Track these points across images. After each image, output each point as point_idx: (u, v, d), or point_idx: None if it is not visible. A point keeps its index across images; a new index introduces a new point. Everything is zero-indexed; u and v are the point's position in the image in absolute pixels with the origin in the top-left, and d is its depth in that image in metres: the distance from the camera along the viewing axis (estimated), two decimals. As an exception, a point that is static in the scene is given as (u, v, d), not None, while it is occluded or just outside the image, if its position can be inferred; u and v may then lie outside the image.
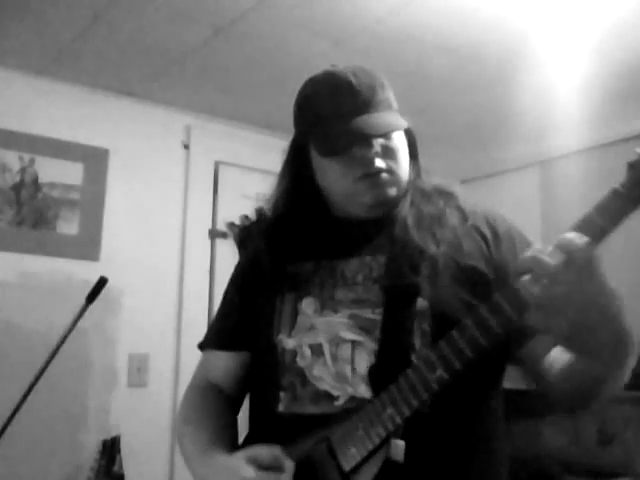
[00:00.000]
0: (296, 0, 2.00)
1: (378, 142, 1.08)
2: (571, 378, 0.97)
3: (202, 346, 1.26)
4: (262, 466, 0.95)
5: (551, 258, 0.79)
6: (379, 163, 1.08)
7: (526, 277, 0.81)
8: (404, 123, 1.11)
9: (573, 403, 1.04)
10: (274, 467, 0.95)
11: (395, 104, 1.14)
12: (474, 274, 1.05)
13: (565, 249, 0.79)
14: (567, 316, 0.80)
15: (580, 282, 0.79)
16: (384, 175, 1.09)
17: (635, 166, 0.80)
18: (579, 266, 0.79)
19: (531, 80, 2.49)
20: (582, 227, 0.81)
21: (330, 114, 1.08)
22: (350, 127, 1.06)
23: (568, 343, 0.93)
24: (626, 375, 0.98)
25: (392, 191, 1.11)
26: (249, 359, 1.19)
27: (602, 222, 0.80)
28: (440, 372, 0.88)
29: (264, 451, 0.97)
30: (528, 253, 0.81)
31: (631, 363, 0.96)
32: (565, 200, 3.04)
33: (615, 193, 0.80)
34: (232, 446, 1.10)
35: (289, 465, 0.95)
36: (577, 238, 0.79)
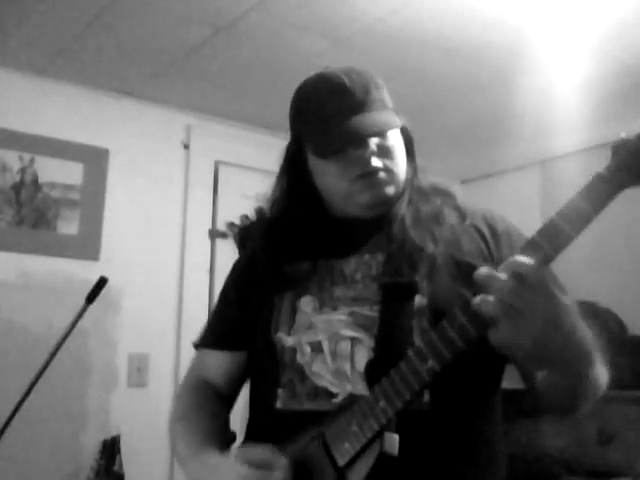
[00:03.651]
0: (296, 0, 2.00)
1: (374, 141, 1.08)
2: (548, 387, 0.97)
3: (198, 345, 1.26)
4: (254, 464, 0.95)
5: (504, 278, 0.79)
6: (375, 162, 1.08)
7: (481, 296, 0.81)
8: (399, 121, 1.11)
9: (560, 406, 1.04)
10: (266, 465, 0.95)
11: (390, 103, 1.14)
12: (472, 272, 1.05)
13: (515, 272, 0.79)
14: (525, 337, 0.80)
15: (532, 302, 0.79)
16: (381, 174, 1.09)
17: (618, 150, 0.80)
18: (530, 287, 0.79)
19: (531, 80, 2.49)
20: (567, 212, 0.81)
21: (324, 116, 1.08)
22: (345, 128, 1.06)
23: (529, 362, 0.94)
24: (600, 382, 0.99)
25: (390, 190, 1.11)
26: (245, 358, 1.19)
27: (587, 207, 0.80)
28: (431, 363, 0.87)
29: (257, 450, 0.98)
30: (482, 270, 0.81)
31: (598, 372, 0.97)
32: (565, 200, 3.04)
33: (599, 177, 0.81)
34: (225, 445, 1.10)
35: (282, 462, 0.95)
36: (526, 260, 0.79)
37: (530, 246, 0.82)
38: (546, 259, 0.81)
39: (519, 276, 0.79)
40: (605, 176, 0.80)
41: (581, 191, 0.81)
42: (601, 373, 0.98)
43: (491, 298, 0.79)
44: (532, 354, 0.85)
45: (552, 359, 0.87)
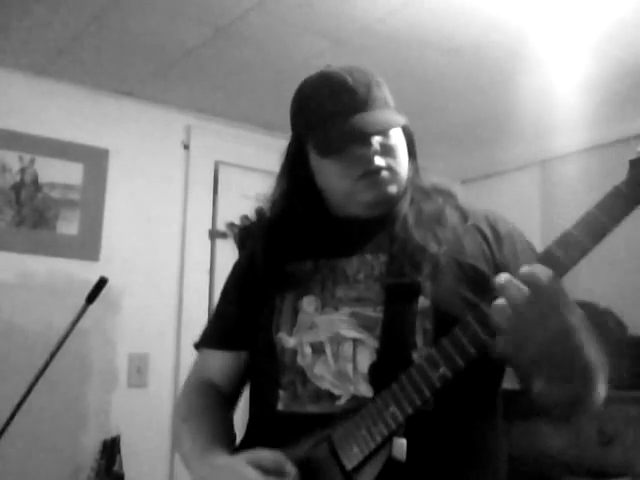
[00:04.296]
0: (296, 0, 2.00)
1: (377, 140, 1.07)
2: (544, 396, 0.97)
3: (199, 345, 1.26)
4: (264, 470, 0.94)
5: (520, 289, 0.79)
6: (379, 161, 1.07)
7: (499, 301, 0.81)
8: (402, 120, 1.10)
9: (552, 415, 1.04)
10: (276, 472, 0.95)
11: (392, 102, 1.13)
12: (475, 273, 1.05)
13: (531, 281, 0.79)
14: (531, 348, 0.81)
15: (545, 316, 0.80)
16: (384, 173, 1.08)
17: (637, 164, 0.80)
18: (545, 298, 0.79)
19: (531, 80, 2.49)
20: (584, 224, 0.81)
21: (328, 114, 1.07)
22: (348, 126, 1.05)
23: (533, 372, 0.94)
24: (598, 399, 0.99)
25: (392, 189, 1.10)
26: (247, 358, 1.19)
27: (604, 220, 0.80)
28: (443, 370, 0.88)
29: (267, 455, 0.97)
30: (504, 275, 0.81)
31: (599, 392, 0.97)
32: (565, 200, 3.04)
33: (617, 191, 0.81)
34: (230, 446, 1.10)
35: (292, 471, 0.95)
36: (544, 270, 0.80)
37: (546, 256, 0.83)
38: (561, 271, 0.82)
39: (535, 286, 0.79)
40: (623, 191, 0.81)
41: (598, 204, 0.82)
42: (601, 391, 0.98)
43: (508, 310, 0.80)
44: (535, 365, 0.86)
45: (554, 372, 0.87)
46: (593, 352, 0.91)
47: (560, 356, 0.84)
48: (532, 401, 1.02)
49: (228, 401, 1.21)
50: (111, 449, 2.40)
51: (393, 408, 0.91)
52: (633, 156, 0.82)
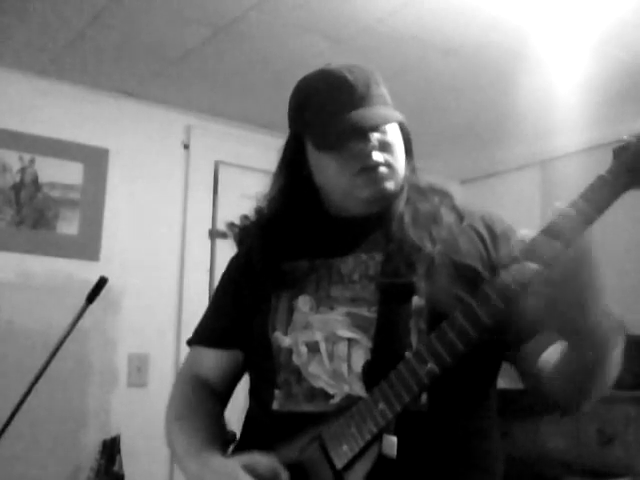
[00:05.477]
0: (296, 0, 2.00)
1: (375, 136, 1.08)
2: (564, 372, 0.96)
3: (191, 342, 1.26)
4: (259, 475, 0.95)
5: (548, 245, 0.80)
6: (377, 156, 1.07)
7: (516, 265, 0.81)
8: (399, 116, 1.11)
9: (566, 401, 1.03)
10: (270, 477, 0.95)
11: (389, 100, 1.14)
12: (470, 273, 1.05)
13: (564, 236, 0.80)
14: (560, 302, 0.81)
15: (577, 268, 0.80)
16: (382, 169, 1.08)
17: (620, 153, 0.81)
18: (577, 251, 0.80)
19: (531, 80, 2.49)
20: (569, 214, 0.81)
21: (326, 110, 1.08)
22: (347, 121, 1.06)
23: (559, 330, 0.94)
24: (615, 370, 0.98)
25: (390, 185, 1.10)
26: (240, 357, 1.19)
27: (588, 209, 0.80)
28: (431, 365, 0.88)
29: (262, 460, 0.97)
30: (524, 234, 0.82)
31: (618, 356, 0.96)
32: (565, 200, 3.04)
33: (601, 180, 0.81)
34: (224, 446, 1.10)
35: (285, 477, 0.95)
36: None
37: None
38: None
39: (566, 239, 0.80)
40: (607, 179, 0.81)
41: (583, 193, 0.81)
42: (617, 358, 0.96)
43: (532, 266, 0.80)
44: (568, 320, 0.86)
45: (585, 327, 0.87)
46: (612, 315, 0.91)
47: (592, 307, 0.84)
48: (541, 394, 1.01)
49: (220, 399, 1.21)
50: (111, 449, 2.40)
51: (382, 405, 0.92)
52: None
